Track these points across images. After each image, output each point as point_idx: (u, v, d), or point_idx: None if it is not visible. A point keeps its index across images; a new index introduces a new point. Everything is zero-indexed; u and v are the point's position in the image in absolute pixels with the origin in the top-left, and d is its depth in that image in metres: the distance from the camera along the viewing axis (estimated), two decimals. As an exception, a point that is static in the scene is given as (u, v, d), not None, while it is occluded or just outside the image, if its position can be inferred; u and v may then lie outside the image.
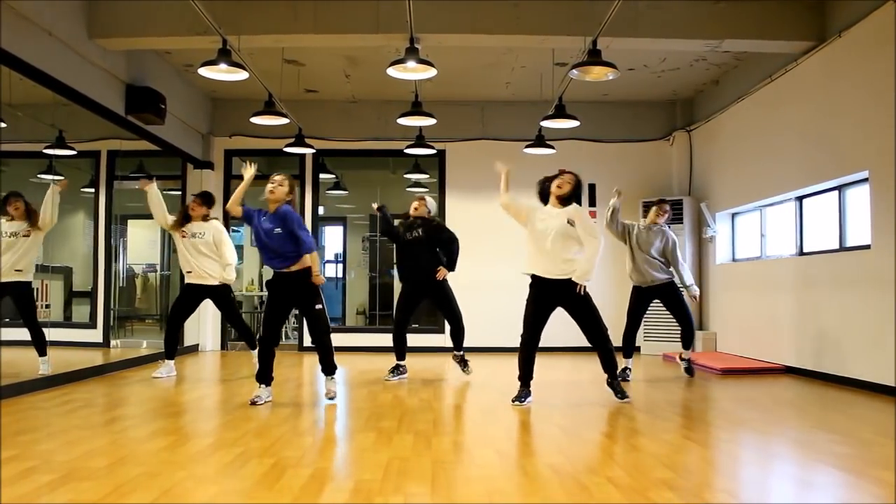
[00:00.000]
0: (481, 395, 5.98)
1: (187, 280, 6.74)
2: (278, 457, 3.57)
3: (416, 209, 6.75)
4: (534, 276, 5.36)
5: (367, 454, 3.67)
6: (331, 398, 5.38)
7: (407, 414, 4.91)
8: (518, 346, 5.43)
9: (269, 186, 5.20)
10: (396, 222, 7.13)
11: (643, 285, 6.75)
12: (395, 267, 11.70)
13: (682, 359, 7.04)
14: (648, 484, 3.15)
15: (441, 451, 3.80)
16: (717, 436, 4.44)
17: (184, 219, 6.71)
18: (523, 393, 5.32)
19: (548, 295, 5.31)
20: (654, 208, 6.87)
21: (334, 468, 3.54)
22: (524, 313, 5.39)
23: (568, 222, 5.23)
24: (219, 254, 6.71)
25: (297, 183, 5.48)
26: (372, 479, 3.19)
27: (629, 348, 6.81)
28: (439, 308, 6.98)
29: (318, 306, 5.34)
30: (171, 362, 6.81)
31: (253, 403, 5.14)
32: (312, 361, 7.83)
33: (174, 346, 6.86)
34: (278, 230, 5.13)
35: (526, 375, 5.36)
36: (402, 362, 6.80)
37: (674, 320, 6.91)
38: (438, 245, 6.74)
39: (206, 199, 6.90)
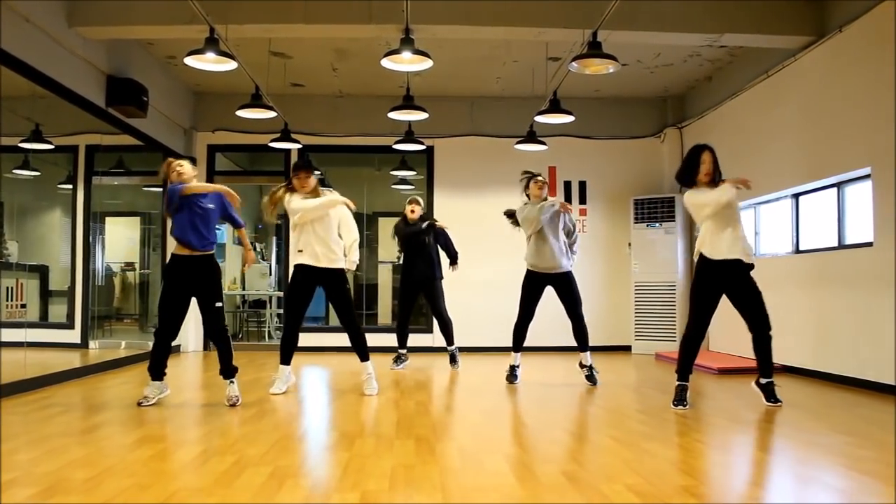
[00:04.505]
0: (478, 397, 5.80)
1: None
2: (275, 465, 3.37)
3: (412, 212, 7.37)
4: (703, 261, 4.98)
5: (368, 462, 3.48)
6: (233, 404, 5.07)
7: (404, 418, 4.72)
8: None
9: (179, 170, 4.95)
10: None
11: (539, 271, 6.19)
12: (380, 265, 11.54)
13: (581, 365, 6.19)
14: (670, 491, 2.99)
15: (447, 457, 3.62)
16: (729, 439, 4.30)
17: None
18: (685, 394, 5.02)
19: (716, 279, 4.94)
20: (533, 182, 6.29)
21: (336, 477, 3.34)
22: (690, 306, 5.06)
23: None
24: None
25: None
26: (378, 489, 3.01)
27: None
28: (429, 303, 7.47)
29: (218, 304, 5.11)
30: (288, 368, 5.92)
31: (139, 405, 5.00)
32: (301, 361, 7.63)
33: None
34: (211, 205, 5.02)
35: (686, 371, 5.05)
36: (403, 350, 7.48)
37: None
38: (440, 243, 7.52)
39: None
